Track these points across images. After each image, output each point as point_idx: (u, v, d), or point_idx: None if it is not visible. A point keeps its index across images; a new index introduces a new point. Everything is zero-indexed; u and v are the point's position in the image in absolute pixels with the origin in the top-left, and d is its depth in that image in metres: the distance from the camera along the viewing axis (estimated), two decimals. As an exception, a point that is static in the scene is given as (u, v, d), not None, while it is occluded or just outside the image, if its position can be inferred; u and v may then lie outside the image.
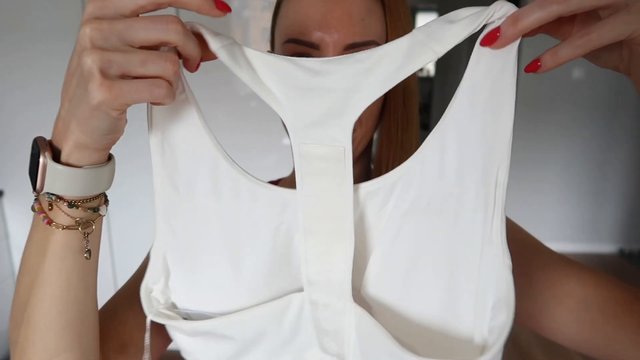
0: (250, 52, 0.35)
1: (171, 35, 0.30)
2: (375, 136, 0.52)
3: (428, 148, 0.35)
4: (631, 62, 0.33)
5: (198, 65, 0.35)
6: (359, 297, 0.41)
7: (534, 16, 0.29)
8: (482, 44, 0.32)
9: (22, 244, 2.19)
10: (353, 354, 0.40)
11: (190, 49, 0.32)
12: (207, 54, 0.34)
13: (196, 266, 0.42)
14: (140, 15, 0.30)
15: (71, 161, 0.34)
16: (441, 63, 4.48)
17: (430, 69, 4.84)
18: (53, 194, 0.35)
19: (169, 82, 0.31)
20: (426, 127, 4.73)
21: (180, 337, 0.43)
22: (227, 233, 0.40)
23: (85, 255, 0.37)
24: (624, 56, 0.34)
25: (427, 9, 5.80)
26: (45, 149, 0.34)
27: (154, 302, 0.43)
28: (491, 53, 0.32)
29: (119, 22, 0.29)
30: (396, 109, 0.49)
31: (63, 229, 0.35)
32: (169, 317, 0.42)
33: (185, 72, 0.36)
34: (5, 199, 1.98)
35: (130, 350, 0.46)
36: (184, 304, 0.43)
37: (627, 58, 0.34)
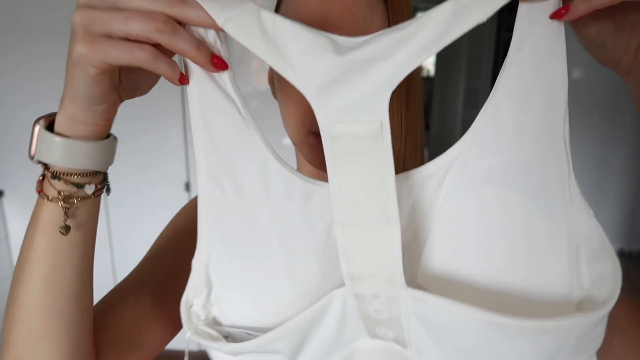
0: (272, 20, 0.31)
1: (164, 6, 0.30)
2: None
3: (482, 123, 0.34)
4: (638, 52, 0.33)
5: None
6: (414, 284, 0.39)
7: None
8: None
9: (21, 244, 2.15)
10: (415, 338, 0.37)
11: (193, 18, 0.31)
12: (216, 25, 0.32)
13: (248, 273, 0.39)
14: None
15: (61, 131, 0.34)
16: (441, 63, 4.48)
17: (430, 69, 4.84)
18: (44, 164, 0.35)
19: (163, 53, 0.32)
20: (426, 127, 4.72)
21: (220, 356, 0.41)
22: (281, 235, 0.38)
23: (60, 230, 0.36)
24: (630, 46, 0.33)
25: (427, 9, 5.77)
26: (42, 118, 0.35)
27: (193, 317, 0.41)
28: (532, 18, 0.31)
29: None
30: (399, 109, 0.49)
31: (48, 200, 0.36)
32: (210, 337, 0.39)
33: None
34: (5, 199, 1.98)
35: (125, 345, 0.46)
36: (229, 317, 0.41)
37: (634, 47, 0.33)
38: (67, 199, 0.36)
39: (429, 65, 4.83)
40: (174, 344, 0.52)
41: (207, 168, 0.37)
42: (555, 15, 0.31)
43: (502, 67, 0.33)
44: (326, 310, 0.37)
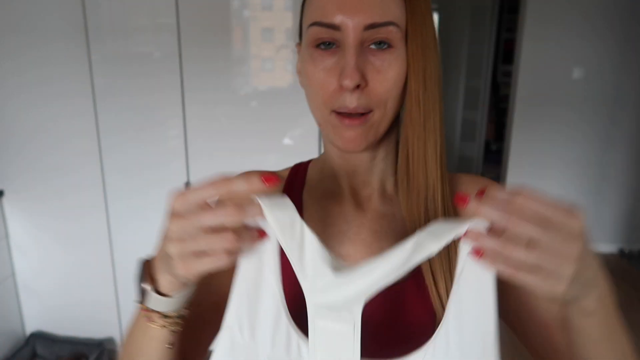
0: (300, 226, 0.42)
1: (228, 220, 0.40)
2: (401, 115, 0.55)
3: (438, 340, 0.43)
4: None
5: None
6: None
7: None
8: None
9: (21, 244, 2.17)
10: None
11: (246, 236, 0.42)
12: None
13: None
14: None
15: (165, 292, 0.46)
16: (441, 63, 4.48)
17: (430, 68, 4.84)
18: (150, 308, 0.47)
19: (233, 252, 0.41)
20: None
21: None
22: None
23: (167, 346, 0.49)
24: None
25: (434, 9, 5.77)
26: (146, 279, 0.47)
27: None
28: (475, 273, 0.41)
29: (193, 216, 0.40)
30: (417, 91, 0.51)
31: (162, 327, 0.48)
32: None
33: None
34: (5, 199, 1.98)
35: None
36: None
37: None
38: (172, 324, 0.48)
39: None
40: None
41: (236, 309, 0.47)
42: (472, 253, 0.40)
43: (449, 303, 0.43)
44: None
